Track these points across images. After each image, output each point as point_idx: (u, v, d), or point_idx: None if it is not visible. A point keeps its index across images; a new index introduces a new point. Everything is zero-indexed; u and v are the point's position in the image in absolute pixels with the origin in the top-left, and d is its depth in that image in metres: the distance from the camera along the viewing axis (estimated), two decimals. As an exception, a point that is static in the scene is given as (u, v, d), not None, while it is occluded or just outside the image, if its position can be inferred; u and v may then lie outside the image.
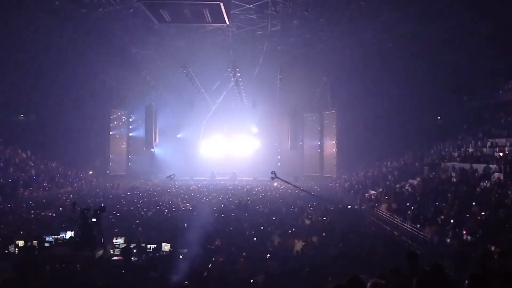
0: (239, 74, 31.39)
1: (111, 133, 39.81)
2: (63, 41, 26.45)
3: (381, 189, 23.88)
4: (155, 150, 42.05)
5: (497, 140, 21.80)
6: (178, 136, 44.06)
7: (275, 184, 31.62)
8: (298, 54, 30.13)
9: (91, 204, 18.78)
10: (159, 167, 41.64)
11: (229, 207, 21.35)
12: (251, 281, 9.59)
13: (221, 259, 11.45)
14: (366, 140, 31.71)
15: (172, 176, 35.49)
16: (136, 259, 12.04)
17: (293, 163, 42.30)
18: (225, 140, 44.65)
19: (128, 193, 28.24)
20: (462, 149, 23.91)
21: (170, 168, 37.69)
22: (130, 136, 42.03)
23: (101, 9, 22.34)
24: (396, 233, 15.71)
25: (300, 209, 20.31)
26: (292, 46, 28.97)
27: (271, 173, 19.93)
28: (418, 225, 14.62)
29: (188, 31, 26.49)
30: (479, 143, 23.20)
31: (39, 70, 29.00)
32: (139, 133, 41.26)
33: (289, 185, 27.68)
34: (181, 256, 11.73)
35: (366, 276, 6.49)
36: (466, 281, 4.72)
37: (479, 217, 13.25)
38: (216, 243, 12.95)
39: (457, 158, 22.66)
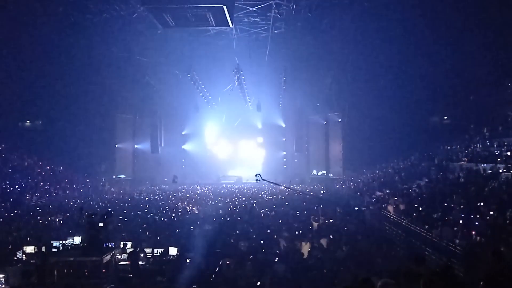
0: (243, 77, 31.41)
1: (116, 138, 39.92)
2: (68, 46, 26.63)
3: (388, 191, 23.71)
4: (161, 154, 42.10)
5: (504, 139, 21.60)
6: (183, 136, 44.13)
7: (282, 186, 31.52)
8: (302, 56, 30.15)
9: (98, 209, 18.96)
10: (165, 171, 41.73)
11: (235, 210, 21.31)
12: (258, 284, 9.54)
13: (228, 263, 11.41)
14: (372, 141, 31.56)
15: (176, 180, 35.60)
16: (143, 263, 12.05)
17: (299, 165, 42.25)
18: (230, 143, 44.71)
19: (136, 197, 28.32)
20: (469, 149, 23.71)
21: (174, 172, 37.67)
22: (136, 140, 42.16)
23: (105, 14, 22.52)
24: (403, 234, 15.58)
25: (307, 211, 20.19)
26: (296, 48, 28.98)
27: (256, 175, 19.08)
28: (427, 226, 14.48)
29: (191, 35, 26.59)
30: (486, 142, 23.01)
31: (44, 76, 29.15)
32: (145, 137, 41.41)
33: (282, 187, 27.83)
34: (188, 260, 11.70)
35: (376, 279, 6.44)
36: (481, 283, 4.64)
37: (487, 218, 13.12)
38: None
39: (465, 158, 22.47)
